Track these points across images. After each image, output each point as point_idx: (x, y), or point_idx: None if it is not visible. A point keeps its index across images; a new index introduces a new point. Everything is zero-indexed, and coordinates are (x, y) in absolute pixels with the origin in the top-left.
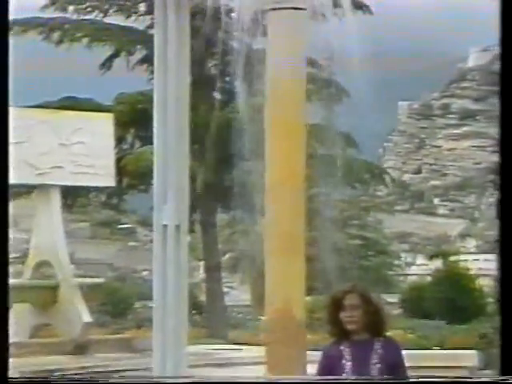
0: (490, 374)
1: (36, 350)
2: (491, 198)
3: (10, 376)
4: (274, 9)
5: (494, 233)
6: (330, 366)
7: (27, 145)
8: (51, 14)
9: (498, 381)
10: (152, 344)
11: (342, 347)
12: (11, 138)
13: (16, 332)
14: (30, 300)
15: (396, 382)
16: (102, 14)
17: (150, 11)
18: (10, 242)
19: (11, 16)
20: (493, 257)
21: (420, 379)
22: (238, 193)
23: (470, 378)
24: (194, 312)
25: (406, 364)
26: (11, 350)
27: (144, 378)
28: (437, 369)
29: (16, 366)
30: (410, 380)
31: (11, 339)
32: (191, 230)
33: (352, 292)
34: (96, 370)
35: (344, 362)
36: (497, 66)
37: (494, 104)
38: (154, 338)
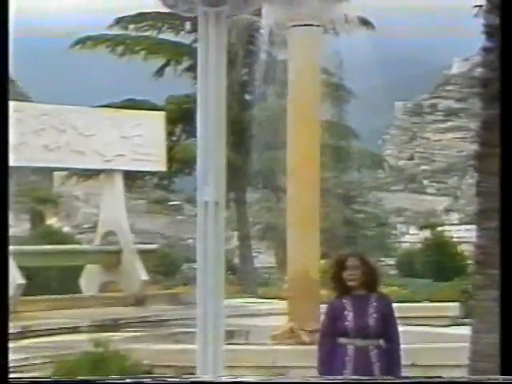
0: (468, 322)
1: (104, 302)
2: (471, 179)
3: (10, 377)
4: (295, 26)
5: (473, 208)
6: (334, 316)
7: (96, 137)
8: (116, 31)
9: (498, 381)
10: (195, 298)
11: (344, 301)
12: (85, 132)
13: (88, 288)
14: (99, 262)
15: (396, 381)
16: (156, 32)
17: (194, 29)
18: (83, 216)
19: (86, 33)
20: (472, 227)
21: (420, 379)
22: (265, 176)
23: (470, 378)
24: (229, 273)
25: (403, 314)
26: (84, 302)
27: (144, 378)
28: (426, 318)
29: (88, 316)
30: (411, 380)
31: (85, 293)
32: (227, 206)
33: (353, 255)
34: (151, 319)
35: (346, 312)
36: (475, 73)
37: (473, 103)
38: (197, 293)
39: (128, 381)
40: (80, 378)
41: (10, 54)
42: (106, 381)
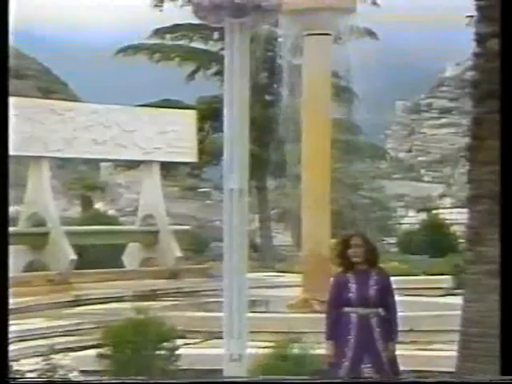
0: (460, 293)
1: (143, 275)
2: (462, 169)
3: (9, 376)
4: (308, 35)
5: (464, 193)
6: (339, 288)
7: (137, 133)
8: (153, 41)
9: (498, 381)
10: (222, 272)
11: (348, 275)
12: (127, 128)
13: (130, 263)
14: (140, 241)
15: (396, 381)
16: (188, 41)
17: (221, 38)
18: (125, 201)
19: (128, 43)
20: (463, 210)
21: (420, 379)
22: (282, 166)
23: (470, 378)
24: (251, 250)
25: (402, 286)
26: (127, 276)
27: (144, 378)
28: (423, 289)
29: (130, 287)
30: (411, 380)
31: (128, 268)
32: (250, 193)
33: (356, 235)
34: (184, 290)
35: (350, 285)
36: (466, 76)
37: (464, 102)
38: (223, 267)
39: (128, 381)
40: (80, 378)
41: (58, 60)
42: (107, 381)
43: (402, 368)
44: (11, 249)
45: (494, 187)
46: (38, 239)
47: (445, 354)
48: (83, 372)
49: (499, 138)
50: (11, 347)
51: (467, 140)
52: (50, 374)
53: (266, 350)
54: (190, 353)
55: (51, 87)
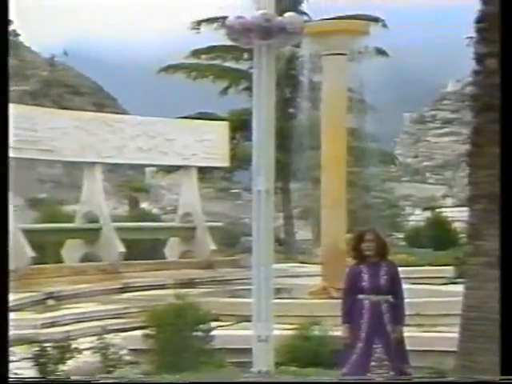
0: (461, 282)
1: (183, 266)
2: (462, 172)
3: (10, 377)
4: (327, 55)
5: (464, 194)
6: (354, 278)
7: (176, 141)
8: (191, 60)
9: (498, 381)
10: (251, 263)
11: (361, 266)
12: (168, 137)
13: (171, 255)
14: (179, 235)
15: (396, 382)
16: (221, 60)
17: (250, 58)
18: (167, 201)
19: (169, 62)
20: (463, 209)
21: (421, 379)
22: (304, 170)
23: (470, 378)
24: (276, 244)
25: (409, 275)
26: (168, 266)
27: (143, 379)
28: (428, 279)
29: (171, 276)
30: (412, 380)
31: (169, 259)
32: (275, 193)
33: (369, 231)
34: (218, 279)
35: (363, 275)
36: (466, 91)
37: (464, 114)
38: (252, 259)
39: (128, 381)
40: (80, 378)
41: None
42: (106, 381)
43: (408, 348)
44: (69, 242)
45: (491, 188)
46: (91, 234)
47: (447, 336)
48: (131, 350)
49: (499, 144)
50: (69, 327)
51: (467, 147)
52: (103, 351)
53: (290, 332)
54: (223, 334)
55: (103, 102)
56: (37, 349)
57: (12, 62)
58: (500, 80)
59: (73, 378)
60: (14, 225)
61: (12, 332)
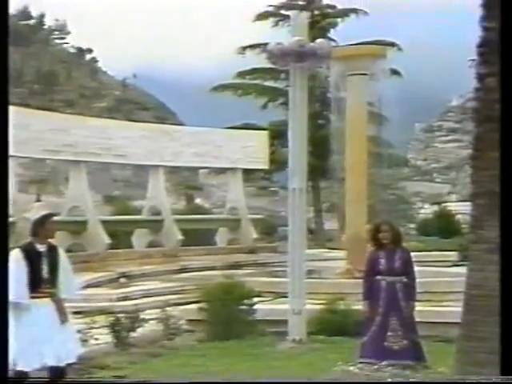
0: (464, 264)
1: (230, 251)
2: (464, 173)
3: (10, 377)
4: (351, 74)
5: (466, 191)
6: (372, 262)
7: (225, 147)
8: (237, 80)
9: (498, 381)
10: (287, 248)
11: (379, 252)
12: (218, 144)
13: (220, 242)
14: (226, 226)
15: (396, 382)
16: (262, 80)
17: (286, 78)
18: (217, 197)
19: (221, 82)
20: (465, 204)
21: (420, 380)
22: (331, 171)
23: (471, 378)
24: (308, 233)
25: (420, 259)
26: (218, 251)
27: (142, 379)
28: (435, 262)
29: (220, 260)
30: (412, 381)
31: (219, 245)
32: (307, 191)
33: (385, 222)
34: (259, 262)
35: (380, 259)
36: (468, 105)
37: (466, 124)
38: (288, 245)
39: (128, 381)
40: (80, 378)
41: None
42: (106, 381)
43: (419, 320)
44: (137, 231)
45: (491, 186)
46: (155, 224)
47: (452, 310)
48: (188, 321)
49: (499, 149)
50: (138, 301)
51: (469, 152)
52: (165, 321)
53: (319, 307)
54: (264, 308)
55: (165, 116)
56: (112, 319)
57: (92, 83)
58: (499, 96)
59: (73, 377)
60: (94, 217)
61: (92, 304)
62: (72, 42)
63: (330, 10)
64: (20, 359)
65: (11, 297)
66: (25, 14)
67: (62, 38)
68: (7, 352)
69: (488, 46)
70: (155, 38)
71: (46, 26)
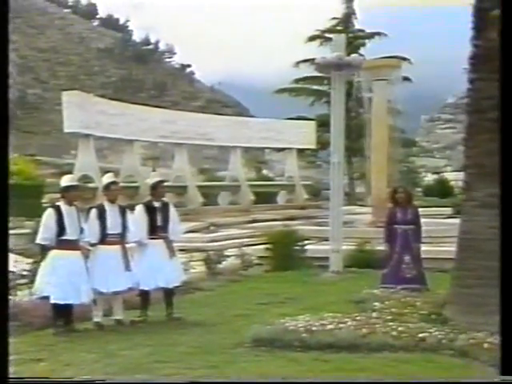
0: (458, 216)
1: (287, 207)
2: (457, 151)
3: (10, 377)
4: (375, 80)
5: (459, 164)
6: (391, 215)
7: (284, 133)
8: (293, 85)
9: (498, 381)
10: (329, 206)
11: (396, 208)
12: (280, 130)
13: (280, 201)
14: (285, 189)
15: (396, 382)
16: (311, 85)
17: (329, 83)
18: (278, 169)
19: (280, 86)
20: (458, 173)
21: (421, 380)
22: (361, 149)
23: (470, 378)
24: (344, 195)
25: (425, 213)
26: (279, 207)
27: (142, 379)
28: (436, 215)
29: (280, 214)
30: (413, 381)
31: (279, 203)
32: (344, 164)
33: (400, 187)
34: (309, 216)
35: (397, 214)
36: (460, 102)
37: (459, 115)
38: (330, 204)
39: (127, 381)
40: (80, 378)
41: (244, 96)
42: (106, 381)
43: (423, 256)
44: (222, 193)
45: (478, 160)
46: (234, 189)
47: (448, 249)
48: (258, 257)
49: (498, 133)
50: (222, 243)
51: (461, 136)
52: (241, 257)
53: (352, 247)
54: (312, 248)
55: (241, 111)
56: (205, 255)
57: (190, 89)
58: (486, 95)
59: (73, 378)
60: (191, 183)
61: (191, 244)
62: (177, 59)
63: (360, 33)
64: (142, 281)
65: (135, 238)
66: (146, 40)
67: (170, 57)
68: (7, 352)
69: (476, 59)
70: (234, 52)
71: (159, 49)
